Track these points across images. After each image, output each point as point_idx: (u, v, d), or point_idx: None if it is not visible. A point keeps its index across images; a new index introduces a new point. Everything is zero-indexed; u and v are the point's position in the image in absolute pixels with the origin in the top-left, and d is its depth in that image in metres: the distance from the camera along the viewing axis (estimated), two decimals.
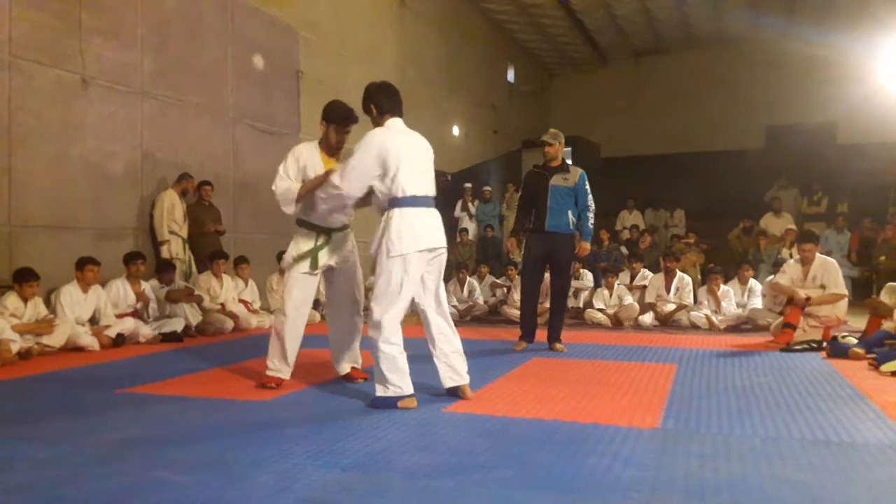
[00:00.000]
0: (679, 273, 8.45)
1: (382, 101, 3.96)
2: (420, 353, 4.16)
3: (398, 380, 3.76)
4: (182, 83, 8.17)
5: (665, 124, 18.29)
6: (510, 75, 18.56)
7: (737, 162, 15.59)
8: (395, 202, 3.79)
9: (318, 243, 4.36)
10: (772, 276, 7.69)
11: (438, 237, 3.90)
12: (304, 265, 4.33)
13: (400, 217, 3.77)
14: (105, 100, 7.23)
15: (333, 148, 4.43)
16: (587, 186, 5.96)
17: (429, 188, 3.91)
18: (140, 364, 5.50)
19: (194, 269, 7.95)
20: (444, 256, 4.00)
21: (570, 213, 5.91)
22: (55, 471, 2.80)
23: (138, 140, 7.64)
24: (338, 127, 4.36)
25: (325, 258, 4.37)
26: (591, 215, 5.97)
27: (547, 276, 6.45)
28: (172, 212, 7.67)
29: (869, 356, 5.20)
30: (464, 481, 2.63)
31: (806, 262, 6.39)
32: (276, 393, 4.24)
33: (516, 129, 18.51)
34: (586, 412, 3.70)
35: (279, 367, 4.38)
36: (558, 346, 6.00)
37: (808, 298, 6.13)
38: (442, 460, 2.88)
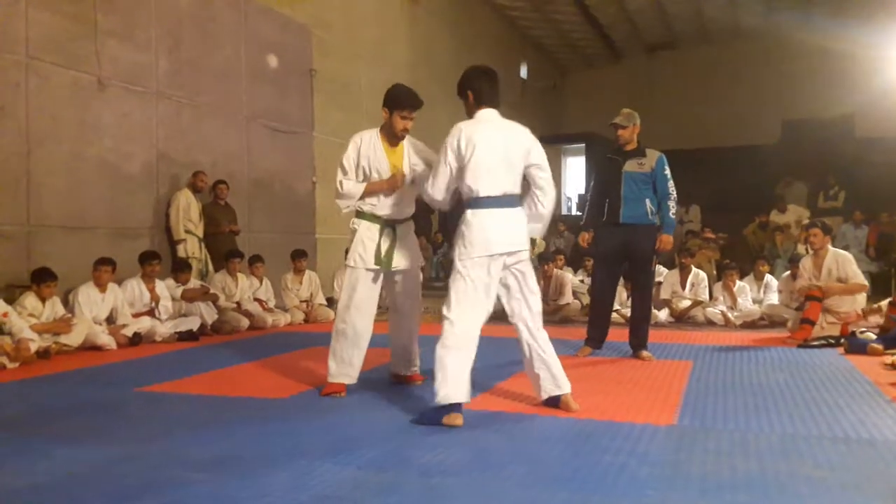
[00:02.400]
0: (694, 269, 8.39)
1: (482, 88, 3.63)
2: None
3: (448, 389, 3.38)
4: (196, 83, 8.21)
5: (679, 119, 18.15)
6: (523, 72, 18.50)
7: (752, 156, 15.44)
8: (469, 203, 3.55)
9: (383, 238, 4.07)
10: (787, 273, 7.63)
11: (514, 240, 3.57)
12: (370, 261, 4.04)
13: (472, 219, 3.51)
14: (120, 100, 7.29)
15: (397, 136, 4.09)
16: (667, 171, 5.29)
17: (507, 186, 3.56)
18: (157, 363, 5.54)
19: (211, 267, 7.99)
20: (526, 258, 3.66)
21: (648, 201, 5.24)
22: (73, 469, 2.82)
23: (154, 140, 7.70)
24: (402, 113, 4.00)
25: (396, 259, 4.09)
26: (672, 204, 5.27)
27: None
28: (188, 211, 7.72)
29: (889, 352, 5.15)
30: (478, 478, 2.63)
31: (814, 248, 6.31)
32: (291, 391, 4.25)
33: (529, 126, 17.97)
34: (602, 409, 3.69)
35: (340, 372, 4.11)
36: (644, 353, 5.33)
37: (820, 288, 6.05)
38: (456, 457, 2.88)
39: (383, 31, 11.76)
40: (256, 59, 9.09)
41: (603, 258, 5.62)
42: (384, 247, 4.07)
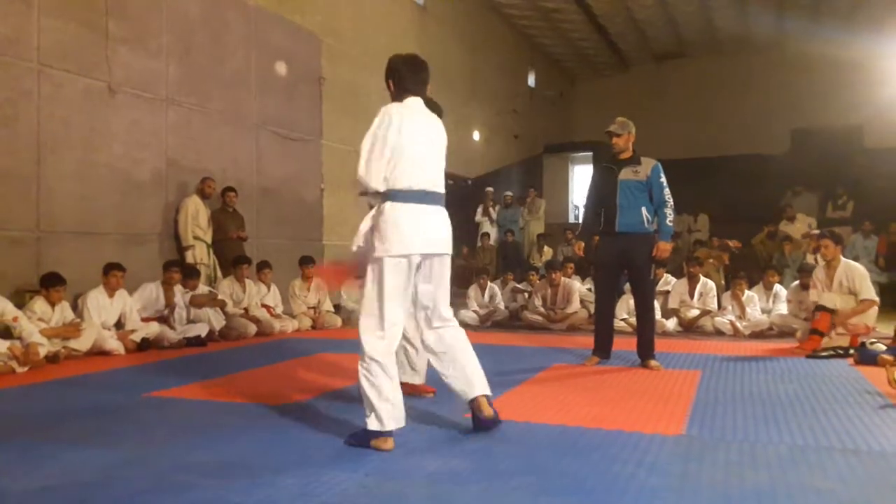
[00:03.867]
0: (703, 278, 8.37)
1: (404, 75, 3.43)
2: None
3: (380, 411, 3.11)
4: (206, 90, 8.26)
5: (688, 128, 18.14)
6: (531, 80, 18.55)
7: (761, 166, 15.43)
8: (389, 195, 3.25)
9: None
10: (796, 283, 7.59)
11: (436, 240, 3.34)
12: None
13: (391, 212, 3.22)
14: (131, 107, 7.34)
15: None
16: (662, 179, 5.28)
17: (436, 182, 3.38)
18: (165, 368, 5.56)
19: (219, 273, 8.02)
20: (445, 262, 3.44)
21: (643, 210, 5.22)
22: (82, 473, 2.83)
23: (163, 147, 7.74)
24: None
25: None
26: (668, 212, 5.26)
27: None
28: (197, 217, 7.75)
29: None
30: (486, 487, 2.62)
31: (825, 259, 6.31)
32: (298, 397, 4.25)
33: (537, 134, 18.49)
34: (610, 419, 3.67)
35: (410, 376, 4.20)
36: (653, 363, 5.28)
37: (833, 311, 6.03)
38: (464, 466, 2.87)
39: (392, 39, 11.80)
40: (266, 66, 9.14)
41: (601, 267, 5.62)
42: None
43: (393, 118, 3.27)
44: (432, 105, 3.77)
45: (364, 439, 3.14)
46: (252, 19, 8.97)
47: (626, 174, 5.29)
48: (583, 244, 5.67)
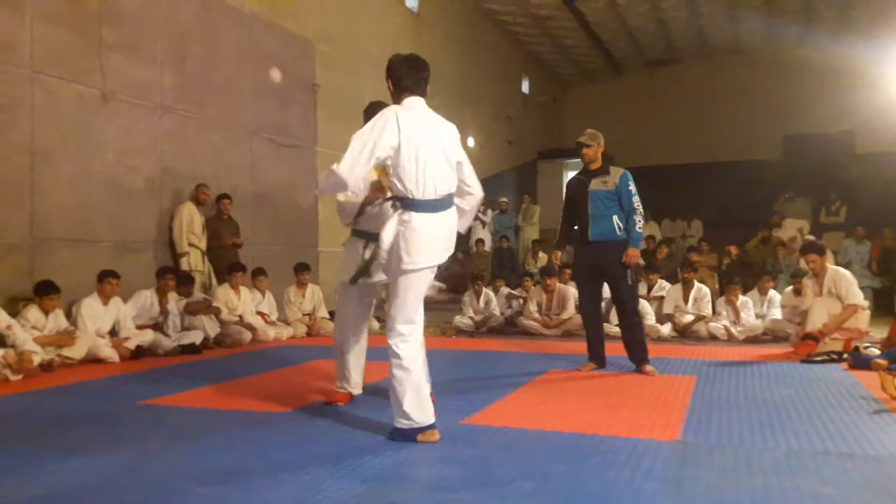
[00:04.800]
0: (697, 284, 8.39)
1: (402, 74, 3.40)
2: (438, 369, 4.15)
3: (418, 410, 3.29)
4: (200, 97, 8.26)
5: (681, 134, 18.23)
6: (525, 86, 18.61)
7: (754, 172, 15.50)
8: (411, 204, 3.27)
9: (366, 253, 4.06)
10: (790, 288, 7.63)
11: (450, 245, 3.42)
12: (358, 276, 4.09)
13: (419, 224, 3.26)
14: (125, 114, 7.33)
15: None
16: (630, 187, 5.37)
17: (451, 185, 3.39)
18: (160, 376, 5.54)
19: (214, 281, 8.00)
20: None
21: (615, 218, 5.34)
22: (77, 481, 2.82)
23: (158, 154, 7.73)
24: None
25: (378, 272, 3.96)
26: (638, 219, 5.36)
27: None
28: (191, 224, 7.74)
29: (892, 370, 5.12)
30: (483, 494, 2.62)
31: (815, 273, 6.45)
32: (295, 405, 4.24)
33: (531, 140, 18.54)
34: (606, 424, 3.68)
35: (341, 384, 4.30)
36: (647, 368, 5.31)
37: (821, 331, 6.10)
38: (461, 473, 2.87)
39: (386, 45, 11.79)
40: (260, 73, 9.15)
41: (579, 276, 5.77)
42: (371, 262, 4.03)
43: (390, 123, 3.23)
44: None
45: (409, 436, 3.28)
46: (246, 26, 8.98)
47: (595, 184, 5.44)
48: (559, 253, 6.08)
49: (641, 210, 5.41)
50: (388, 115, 3.26)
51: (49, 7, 6.57)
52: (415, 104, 3.38)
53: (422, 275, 3.32)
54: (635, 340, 5.44)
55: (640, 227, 5.39)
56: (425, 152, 3.27)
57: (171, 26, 7.88)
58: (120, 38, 7.25)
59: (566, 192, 5.82)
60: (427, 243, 3.27)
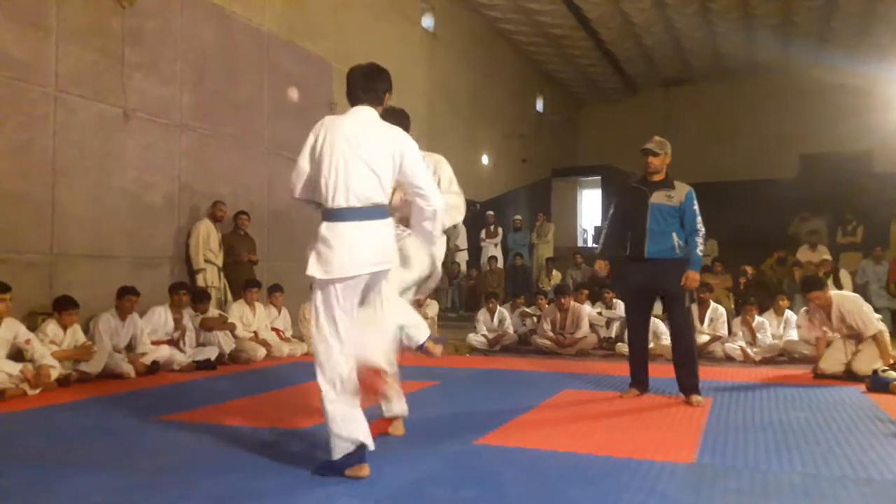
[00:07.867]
0: (713, 304, 8.34)
1: (353, 84, 3.30)
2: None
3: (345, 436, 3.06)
4: (219, 116, 8.36)
5: (696, 153, 18.12)
6: (539, 105, 18.68)
7: (770, 191, 15.42)
8: (324, 214, 3.19)
9: None
10: (805, 308, 7.55)
11: (377, 260, 3.16)
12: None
13: (328, 233, 3.15)
14: (145, 132, 7.43)
15: None
16: (696, 207, 5.02)
17: (374, 195, 3.13)
18: (175, 392, 5.57)
19: (230, 297, 8.05)
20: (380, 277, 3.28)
21: (675, 235, 4.94)
22: (94, 497, 2.84)
23: (176, 171, 7.82)
24: None
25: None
26: (699, 240, 4.94)
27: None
28: (208, 241, 7.81)
29: None
30: None
31: (822, 308, 6.22)
32: (308, 422, 4.25)
33: (545, 158, 18.58)
34: (620, 446, 3.66)
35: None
36: (694, 398, 4.87)
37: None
38: (474, 493, 2.86)
39: (402, 64, 11.92)
40: (278, 92, 9.25)
41: (629, 296, 5.36)
42: None
43: (306, 144, 3.26)
44: (396, 113, 3.72)
45: (336, 468, 3.11)
46: (264, 46, 9.10)
47: (658, 197, 5.00)
48: (607, 263, 5.39)
49: (703, 231, 5.03)
50: (315, 127, 3.27)
51: (75, 28, 6.70)
52: (358, 112, 3.25)
53: (331, 288, 3.12)
54: (689, 368, 4.99)
55: (700, 250, 4.96)
56: (340, 159, 3.10)
57: (192, 46, 8.01)
58: (141, 57, 7.38)
59: (618, 201, 5.39)
60: (334, 254, 3.09)
